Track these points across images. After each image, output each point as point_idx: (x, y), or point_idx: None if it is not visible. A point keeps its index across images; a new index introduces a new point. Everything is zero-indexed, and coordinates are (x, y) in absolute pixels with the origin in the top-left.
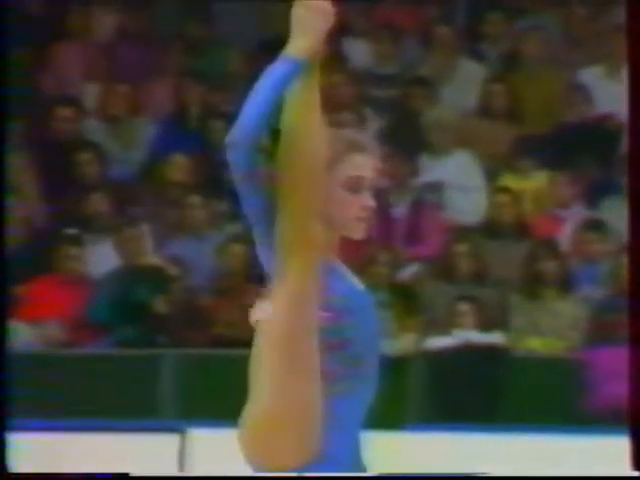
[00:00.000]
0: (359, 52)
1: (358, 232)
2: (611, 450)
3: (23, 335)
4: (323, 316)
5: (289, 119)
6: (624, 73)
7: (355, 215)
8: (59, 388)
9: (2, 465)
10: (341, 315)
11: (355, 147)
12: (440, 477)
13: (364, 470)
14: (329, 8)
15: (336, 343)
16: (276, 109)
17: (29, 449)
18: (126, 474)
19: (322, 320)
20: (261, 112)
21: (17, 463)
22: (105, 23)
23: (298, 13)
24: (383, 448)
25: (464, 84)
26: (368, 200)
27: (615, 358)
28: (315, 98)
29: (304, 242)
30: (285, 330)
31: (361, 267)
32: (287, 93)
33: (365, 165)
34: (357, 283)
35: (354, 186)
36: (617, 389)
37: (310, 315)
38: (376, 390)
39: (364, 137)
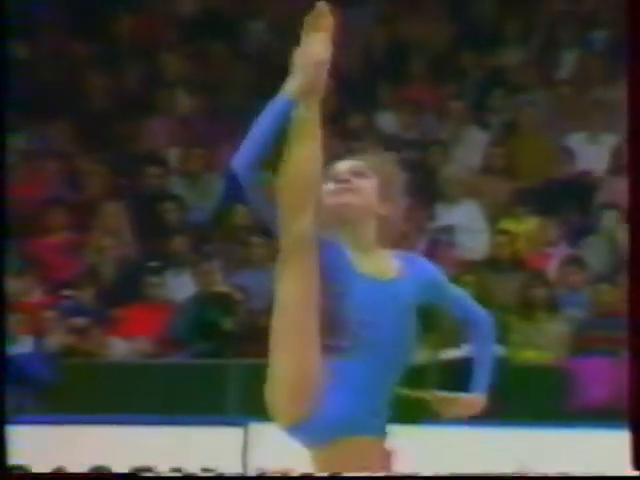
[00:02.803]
0: (387, 121)
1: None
2: (592, 441)
3: (119, 349)
4: (325, 300)
5: (290, 144)
6: (602, 139)
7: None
8: (147, 391)
9: (2, 463)
10: (340, 299)
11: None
12: (443, 477)
13: (380, 429)
14: (322, 56)
15: (336, 320)
16: (271, 139)
17: (122, 440)
18: (133, 474)
19: (324, 302)
20: (256, 144)
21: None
22: (185, 101)
23: (295, 58)
24: (403, 437)
25: (472, 147)
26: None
27: (594, 367)
28: (313, 129)
29: (297, 244)
30: (289, 311)
31: None
32: (289, 124)
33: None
34: (370, 273)
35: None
36: (596, 393)
37: (309, 295)
38: (401, 357)
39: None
